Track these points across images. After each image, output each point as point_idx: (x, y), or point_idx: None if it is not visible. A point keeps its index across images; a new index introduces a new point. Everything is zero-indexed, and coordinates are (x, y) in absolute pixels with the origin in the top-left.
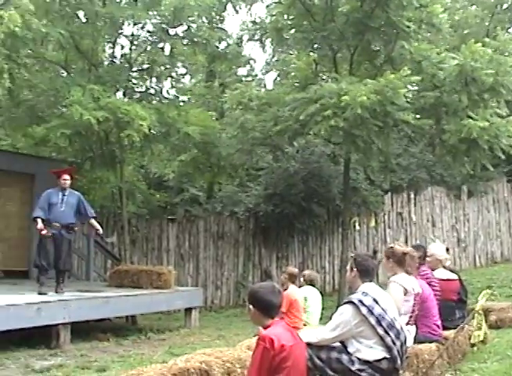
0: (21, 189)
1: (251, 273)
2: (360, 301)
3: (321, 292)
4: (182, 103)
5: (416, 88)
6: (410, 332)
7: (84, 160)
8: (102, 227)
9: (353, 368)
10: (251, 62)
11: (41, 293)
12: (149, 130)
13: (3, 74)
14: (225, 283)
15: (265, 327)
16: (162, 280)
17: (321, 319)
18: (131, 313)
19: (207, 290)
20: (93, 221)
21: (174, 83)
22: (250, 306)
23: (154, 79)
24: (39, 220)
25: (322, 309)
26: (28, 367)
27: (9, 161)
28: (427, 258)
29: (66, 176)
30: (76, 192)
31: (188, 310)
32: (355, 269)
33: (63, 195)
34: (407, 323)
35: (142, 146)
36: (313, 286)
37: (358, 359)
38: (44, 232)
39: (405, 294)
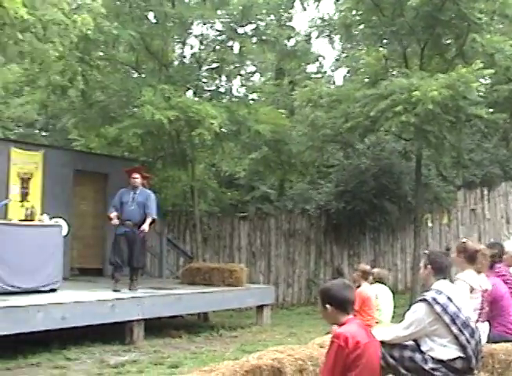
0: (95, 189)
1: (323, 271)
2: (434, 300)
3: (392, 290)
4: (251, 101)
5: (488, 81)
6: (482, 329)
7: (156, 159)
8: (174, 226)
9: (426, 367)
10: (320, 59)
11: (115, 290)
12: (220, 128)
13: (77, 76)
14: (296, 281)
15: (340, 325)
16: (234, 278)
17: (393, 317)
18: (203, 310)
19: (279, 287)
20: (148, 220)
21: (243, 81)
22: (327, 305)
23: (224, 78)
24: (111, 214)
25: (394, 307)
26: (103, 362)
27: (83, 161)
28: (504, 256)
29: (136, 175)
30: (148, 191)
31: (259, 308)
32: (428, 267)
33: (134, 194)
34: (477, 321)
35: (213, 145)
36: (383, 284)
37: (432, 358)
38: (114, 221)
39: (471, 292)
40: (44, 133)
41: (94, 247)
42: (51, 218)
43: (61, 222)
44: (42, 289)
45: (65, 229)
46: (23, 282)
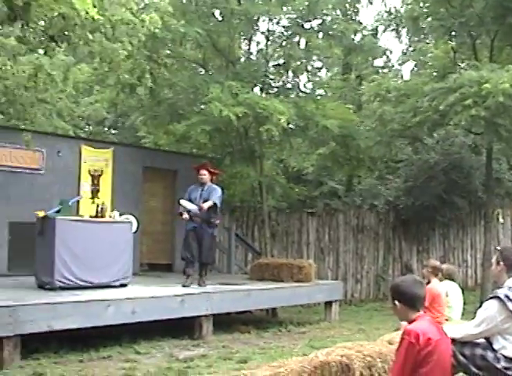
0: (164, 185)
1: (391, 267)
2: (507, 297)
3: (462, 287)
4: (319, 97)
5: None
6: None
7: (224, 155)
8: (242, 221)
9: (499, 366)
10: (387, 53)
11: (184, 285)
12: (288, 124)
13: (145, 75)
14: (365, 277)
15: (410, 322)
16: (303, 274)
17: (463, 314)
18: (271, 306)
19: (347, 283)
20: (209, 202)
21: (310, 77)
22: (396, 302)
23: (291, 73)
24: (181, 207)
25: (464, 304)
26: (172, 356)
27: (152, 158)
28: None
29: (203, 171)
30: (215, 186)
31: (328, 303)
32: (501, 263)
33: (202, 190)
34: None
35: (281, 141)
36: (453, 280)
37: (504, 356)
38: (184, 216)
39: None
40: (113, 131)
41: (163, 243)
42: (121, 215)
43: (131, 218)
44: (113, 284)
45: (135, 226)
46: (95, 277)
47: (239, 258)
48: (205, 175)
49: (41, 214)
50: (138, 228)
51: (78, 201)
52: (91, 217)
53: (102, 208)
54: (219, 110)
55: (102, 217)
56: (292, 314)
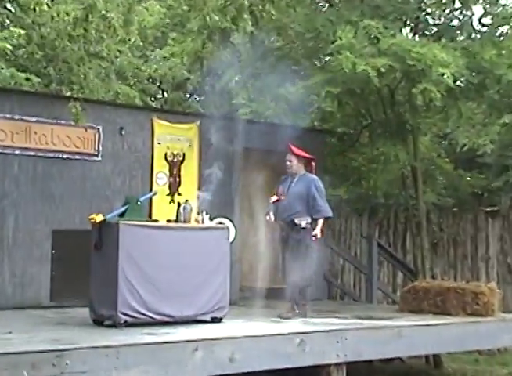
0: (273, 175)
1: None
2: None
3: None
4: (502, 38)
5: None
6: None
7: (360, 130)
8: (387, 226)
9: None
10: None
11: (281, 316)
12: (455, 81)
13: (243, 14)
14: None
15: None
16: (480, 304)
17: None
18: (433, 352)
19: None
20: (320, 222)
21: (488, 7)
22: None
23: (457, 4)
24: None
25: None
26: None
27: (254, 136)
28: None
29: (288, 156)
30: (312, 176)
31: None
32: None
33: (291, 183)
34: None
35: (445, 106)
36: None
37: None
38: (267, 217)
39: None
40: (198, 97)
41: (272, 259)
42: (212, 219)
43: (227, 223)
44: (202, 318)
45: (232, 234)
46: (175, 308)
47: (384, 279)
48: (291, 161)
49: (99, 218)
50: (235, 237)
51: (151, 199)
52: (169, 222)
53: (185, 209)
54: (352, 63)
55: (185, 221)
56: (465, 364)
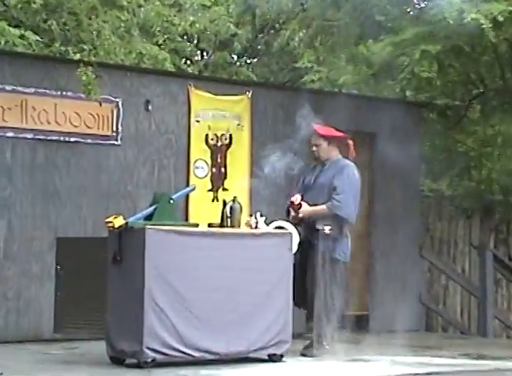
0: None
1: None
2: None
3: None
4: None
5: None
6: None
7: (469, 101)
8: (508, 232)
9: None
10: None
11: (303, 353)
12: None
13: None
14: None
15: None
16: None
17: None
18: None
19: None
20: (321, 209)
21: None
22: None
23: None
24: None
25: None
26: None
27: (327, 111)
28: None
29: (314, 139)
30: (344, 162)
31: None
32: None
33: (320, 172)
34: None
35: None
36: None
37: None
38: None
39: None
40: (249, 60)
41: (353, 277)
42: (268, 223)
43: (288, 227)
44: (256, 355)
45: (296, 242)
46: (220, 343)
47: (503, 304)
48: (318, 145)
49: (118, 222)
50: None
51: (187, 196)
52: (211, 226)
53: (232, 209)
54: (458, 10)
55: (233, 226)
56: None
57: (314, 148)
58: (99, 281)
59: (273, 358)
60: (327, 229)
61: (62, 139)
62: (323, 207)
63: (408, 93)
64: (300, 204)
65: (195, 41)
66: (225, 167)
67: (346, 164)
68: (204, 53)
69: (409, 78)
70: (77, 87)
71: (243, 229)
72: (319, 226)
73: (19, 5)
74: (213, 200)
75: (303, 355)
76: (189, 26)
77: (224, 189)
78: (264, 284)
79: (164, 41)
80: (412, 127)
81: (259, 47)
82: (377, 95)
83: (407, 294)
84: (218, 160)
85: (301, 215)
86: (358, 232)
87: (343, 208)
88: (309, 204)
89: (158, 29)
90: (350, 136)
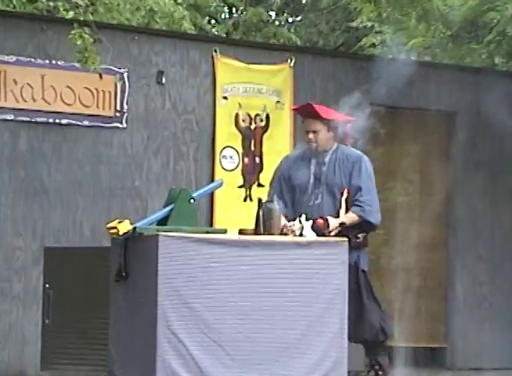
0: (440, 153)
1: None
2: None
3: None
4: None
5: None
6: None
7: None
8: None
9: None
10: None
11: None
12: None
13: None
14: None
15: None
16: None
17: None
18: None
19: None
20: (341, 219)
21: None
22: None
23: None
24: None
25: None
26: None
27: (397, 88)
28: None
29: (310, 124)
30: (355, 153)
31: None
32: None
33: (320, 167)
34: None
35: None
36: None
37: None
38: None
39: None
40: (290, 18)
41: (425, 297)
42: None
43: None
44: None
45: None
46: None
47: None
48: (316, 132)
49: (124, 227)
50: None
51: (213, 194)
52: (243, 233)
53: (270, 211)
54: None
55: (271, 232)
56: None
57: (311, 135)
58: (99, 303)
59: None
60: (361, 236)
61: (51, 121)
62: (353, 215)
63: (497, 60)
64: (326, 221)
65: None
66: (261, 156)
67: (359, 154)
68: (233, 10)
69: (499, 41)
70: (70, 54)
71: (284, 236)
72: (350, 235)
73: None
74: (245, 200)
75: None
76: None
77: (259, 185)
78: (311, 308)
79: None
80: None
81: (304, 1)
82: (458, 63)
83: (497, 322)
84: (252, 147)
85: (333, 233)
86: (427, 239)
87: (374, 213)
88: (315, 215)
89: None
90: (352, 118)
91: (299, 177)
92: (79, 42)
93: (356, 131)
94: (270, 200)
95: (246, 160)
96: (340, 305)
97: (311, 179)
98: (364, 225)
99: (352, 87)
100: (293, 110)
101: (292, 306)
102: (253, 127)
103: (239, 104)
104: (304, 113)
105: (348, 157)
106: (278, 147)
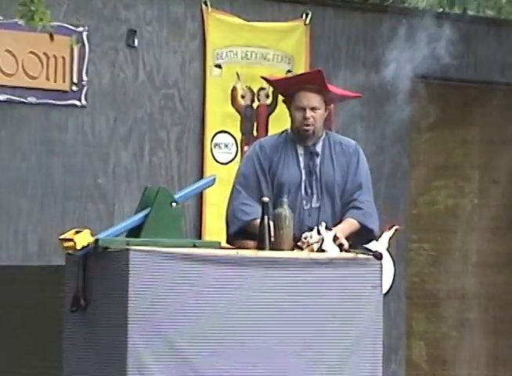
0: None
1: None
2: None
3: None
4: None
5: None
6: None
7: None
8: None
9: None
10: None
11: None
12: None
13: None
14: None
15: None
16: None
17: None
18: None
19: None
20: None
21: None
22: None
23: None
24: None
25: None
26: None
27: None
28: None
29: (309, 99)
30: (348, 142)
31: None
32: None
33: (310, 158)
34: None
35: None
36: None
37: None
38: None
39: None
40: None
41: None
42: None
43: (378, 248)
44: None
45: (389, 273)
46: None
47: None
48: (316, 110)
49: (82, 239)
50: (394, 280)
51: (202, 194)
52: (242, 247)
53: (278, 217)
54: None
55: (279, 246)
56: None
57: (309, 113)
58: (49, 340)
59: None
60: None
61: None
62: (354, 222)
63: None
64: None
65: None
66: None
67: (355, 144)
68: None
69: None
70: (10, 9)
71: (298, 251)
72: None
73: None
74: None
75: None
76: None
77: None
78: (332, 350)
79: None
80: None
81: None
82: None
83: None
84: (254, 132)
85: (346, 246)
86: (491, 256)
87: (375, 219)
88: (314, 223)
89: None
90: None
91: (286, 172)
92: None
93: (401, 110)
94: (280, 204)
95: (246, 149)
96: (371, 346)
97: (303, 174)
98: (362, 234)
99: (389, 52)
100: (278, 80)
101: (308, 342)
102: (255, 105)
103: (238, 75)
104: (303, 81)
105: (343, 146)
106: None
